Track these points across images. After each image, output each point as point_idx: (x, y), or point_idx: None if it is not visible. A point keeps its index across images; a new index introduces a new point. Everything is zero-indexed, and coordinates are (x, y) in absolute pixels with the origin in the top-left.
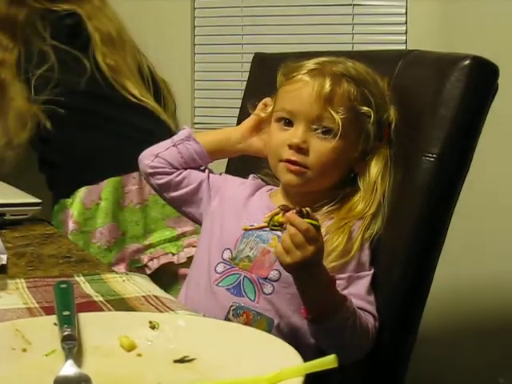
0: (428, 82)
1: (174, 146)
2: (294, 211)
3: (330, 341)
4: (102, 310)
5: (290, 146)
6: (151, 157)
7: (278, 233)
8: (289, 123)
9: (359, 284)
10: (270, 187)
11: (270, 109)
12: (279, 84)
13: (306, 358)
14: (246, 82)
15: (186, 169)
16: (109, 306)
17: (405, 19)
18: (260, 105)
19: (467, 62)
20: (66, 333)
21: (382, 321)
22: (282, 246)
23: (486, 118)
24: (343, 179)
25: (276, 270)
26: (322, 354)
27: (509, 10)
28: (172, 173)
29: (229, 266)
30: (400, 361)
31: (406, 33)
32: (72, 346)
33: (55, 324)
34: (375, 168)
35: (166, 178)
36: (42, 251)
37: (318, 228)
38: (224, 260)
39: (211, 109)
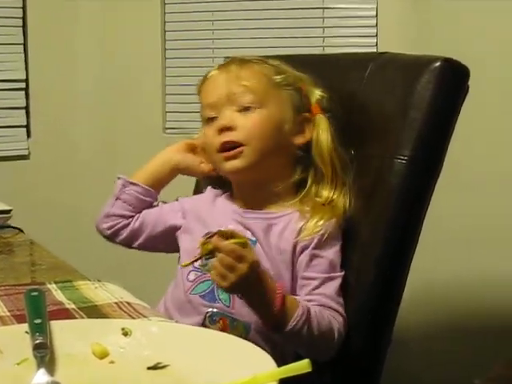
0: (398, 84)
1: (116, 199)
2: (215, 238)
3: (295, 344)
4: (74, 317)
5: (220, 130)
6: (104, 219)
7: (248, 234)
8: (212, 119)
9: (330, 285)
10: (229, 193)
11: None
12: (198, 93)
13: (285, 358)
14: None
15: (140, 212)
16: (81, 313)
17: (375, 22)
18: (189, 141)
19: (437, 63)
20: (37, 341)
21: (355, 324)
22: (216, 272)
23: (458, 119)
24: (290, 163)
25: None
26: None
27: (478, 10)
28: (129, 223)
29: (200, 273)
30: (374, 364)
31: (376, 35)
32: (44, 354)
33: (27, 332)
34: (322, 136)
35: (127, 230)
36: (14, 259)
37: (244, 244)
38: (195, 268)
39: (183, 113)
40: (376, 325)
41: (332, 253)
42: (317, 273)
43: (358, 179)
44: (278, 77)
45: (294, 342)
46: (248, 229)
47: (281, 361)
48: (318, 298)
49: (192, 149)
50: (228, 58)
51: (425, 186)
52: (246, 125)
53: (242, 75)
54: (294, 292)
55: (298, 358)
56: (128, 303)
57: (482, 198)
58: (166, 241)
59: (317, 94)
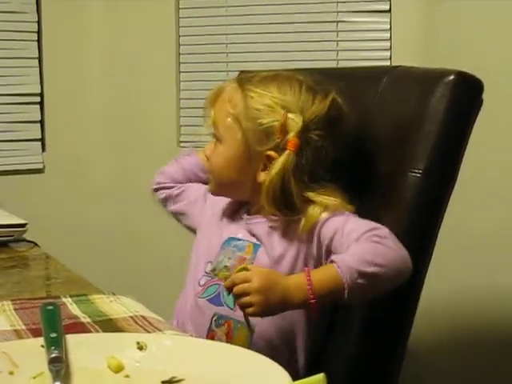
0: (413, 97)
1: (176, 161)
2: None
3: (371, 291)
4: (89, 331)
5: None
6: (158, 175)
7: (253, 240)
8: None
9: (350, 224)
10: None
11: None
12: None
13: (294, 358)
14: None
15: (188, 183)
16: (96, 327)
17: (389, 35)
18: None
19: (452, 77)
20: (53, 355)
21: (369, 337)
22: (241, 305)
23: (472, 133)
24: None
25: None
26: (310, 353)
27: (492, 24)
28: (173, 187)
29: (210, 278)
30: (389, 377)
31: (390, 49)
32: (59, 368)
33: (42, 346)
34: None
35: (167, 192)
36: (29, 273)
37: (244, 268)
38: (206, 273)
39: (197, 127)
40: (391, 337)
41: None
42: (334, 229)
43: (372, 192)
44: (254, 110)
45: (367, 293)
46: (253, 234)
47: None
48: (348, 238)
49: None
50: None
51: (439, 199)
52: (211, 157)
53: (215, 104)
54: None
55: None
56: (143, 317)
57: (495, 211)
58: (191, 223)
59: (297, 122)
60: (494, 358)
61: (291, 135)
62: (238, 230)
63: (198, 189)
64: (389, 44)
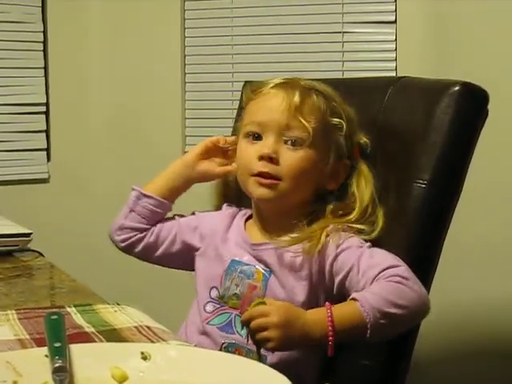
0: (418, 108)
1: (130, 211)
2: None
3: (390, 333)
4: (93, 340)
5: (261, 158)
6: (117, 231)
7: (261, 266)
8: (257, 137)
9: (365, 257)
10: (244, 211)
11: (227, 140)
12: (246, 100)
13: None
14: (236, 110)
15: (154, 225)
16: (100, 336)
17: (394, 46)
18: (214, 138)
19: (457, 88)
20: (57, 364)
21: (373, 349)
22: (259, 339)
23: (477, 143)
24: (314, 197)
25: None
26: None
27: (498, 35)
28: (144, 236)
29: (218, 305)
30: None
31: (395, 59)
32: (63, 377)
33: (46, 356)
34: (364, 188)
35: (142, 244)
36: (33, 282)
37: (262, 302)
38: (212, 299)
39: (202, 137)
40: (396, 348)
41: (353, 241)
42: (349, 264)
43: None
44: (335, 119)
45: (387, 333)
46: (260, 260)
47: None
48: (365, 276)
49: (210, 151)
50: (247, 82)
51: (444, 210)
52: (289, 162)
53: (302, 109)
54: None
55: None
56: (147, 327)
57: (500, 220)
58: (183, 258)
59: (360, 138)
60: (497, 369)
61: (355, 145)
62: (240, 252)
63: (170, 225)
64: (394, 55)
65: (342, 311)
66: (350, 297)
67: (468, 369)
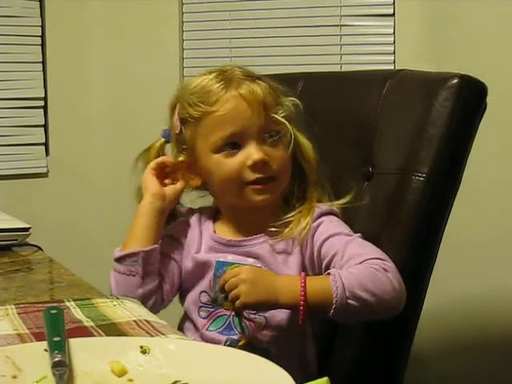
0: (416, 101)
1: (143, 276)
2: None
3: (355, 315)
4: (92, 335)
5: (254, 166)
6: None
7: (249, 261)
8: (233, 146)
9: (353, 245)
10: (206, 212)
11: (179, 158)
12: (200, 115)
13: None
14: None
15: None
16: (99, 331)
17: (393, 39)
18: (158, 160)
19: (455, 81)
20: (56, 359)
21: (372, 342)
22: (233, 299)
23: (476, 136)
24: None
25: None
26: (322, 370)
27: (496, 28)
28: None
29: (212, 309)
30: (392, 382)
31: (394, 53)
32: (63, 372)
33: (46, 350)
34: (302, 139)
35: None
36: (33, 276)
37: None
38: (204, 304)
39: None
40: (394, 342)
41: (341, 227)
42: (335, 249)
43: (375, 195)
44: (282, 97)
45: (352, 315)
46: (250, 255)
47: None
48: (349, 263)
49: (159, 175)
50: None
51: (443, 203)
52: (279, 160)
53: (267, 103)
54: None
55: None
56: (146, 321)
57: (499, 214)
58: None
59: (290, 101)
60: (497, 363)
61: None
62: (222, 253)
63: (170, 267)
64: (392, 48)
65: (315, 283)
66: (327, 271)
67: (467, 362)
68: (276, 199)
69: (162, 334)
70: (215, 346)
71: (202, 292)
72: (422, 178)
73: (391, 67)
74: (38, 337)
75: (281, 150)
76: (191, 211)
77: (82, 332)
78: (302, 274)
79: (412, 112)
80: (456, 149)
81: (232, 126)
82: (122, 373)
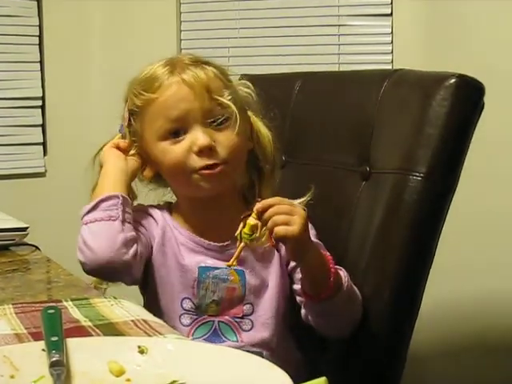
0: (414, 100)
1: (123, 222)
2: (257, 203)
3: (337, 312)
4: (90, 334)
5: (200, 152)
6: (122, 249)
7: (236, 267)
8: (176, 134)
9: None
10: (160, 207)
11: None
12: (143, 103)
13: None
14: None
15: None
16: (97, 330)
17: (390, 39)
18: (114, 141)
19: (453, 80)
20: (54, 358)
21: (370, 341)
22: (280, 222)
23: (473, 136)
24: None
25: (248, 303)
26: (313, 369)
27: (494, 28)
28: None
29: (196, 316)
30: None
31: (391, 52)
32: (60, 371)
33: (43, 350)
34: (263, 129)
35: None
36: (30, 276)
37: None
38: (187, 311)
39: None
40: (392, 341)
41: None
42: None
43: (373, 195)
44: (231, 80)
45: (337, 310)
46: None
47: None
48: None
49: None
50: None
51: (441, 202)
52: (226, 143)
53: (211, 86)
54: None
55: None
56: (144, 321)
57: (497, 213)
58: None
59: (242, 85)
60: (496, 363)
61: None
62: (201, 257)
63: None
64: (390, 48)
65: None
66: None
67: (465, 362)
68: (232, 192)
69: (160, 333)
70: (214, 346)
71: (184, 299)
72: (419, 178)
73: (389, 67)
74: (36, 336)
75: (230, 134)
76: (150, 206)
77: (80, 332)
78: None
79: (410, 111)
80: (454, 148)
81: (174, 110)
82: (119, 373)
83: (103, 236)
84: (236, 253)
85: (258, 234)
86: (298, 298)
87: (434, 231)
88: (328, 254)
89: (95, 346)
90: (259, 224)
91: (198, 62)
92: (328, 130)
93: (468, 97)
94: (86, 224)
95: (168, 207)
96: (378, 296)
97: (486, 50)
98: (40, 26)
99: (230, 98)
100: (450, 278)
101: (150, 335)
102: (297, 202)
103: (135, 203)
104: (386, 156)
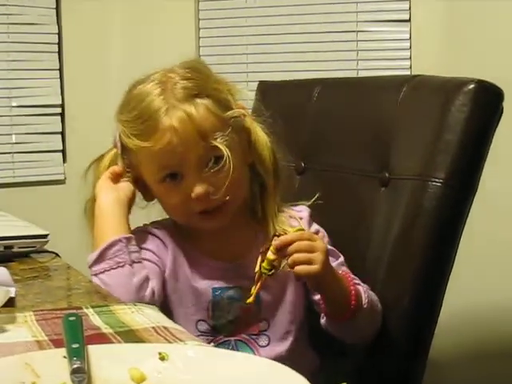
0: (433, 106)
1: (132, 264)
2: (274, 238)
3: (359, 327)
4: (111, 341)
5: (198, 199)
6: (140, 292)
7: (243, 283)
8: (174, 176)
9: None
10: (168, 226)
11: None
12: (135, 148)
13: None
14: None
15: None
16: (118, 337)
17: (409, 44)
18: (107, 173)
19: (471, 86)
20: (75, 365)
21: (390, 348)
22: (302, 260)
23: (492, 142)
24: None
25: (263, 320)
26: (331, 375)
27: None
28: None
29: (211, 337)
30: None
31: (410, 58)
32: (81, 378)
33: (64, 357)
34: (260, 135)
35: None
36: (51, 283)
37: (302, 229)
38: (203, 332)
39: None
40: (412, 348)
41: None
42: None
43: (392, 201)
44: (229, 112)
45: (358, 326)
46: (243, 277)
47: None
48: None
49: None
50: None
51: (460, 208)
52: (222, 183)
53: (204, 129)
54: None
55: None
56: (165, 327)
57: None
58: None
59: (240, 94)
60: None
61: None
62: (214, 278)
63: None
64: (409, 53)
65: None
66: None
67: (486, 369)
68: (237, 211)
69: (181, 340)
70: (234, 353)
71: (198, 321)
72: (438, 184)
73: (407, 72)
74: (57, 343)
75: (225, 173)
76: (157, 227)
77: (101, 339)
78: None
79: (428, 117)
80: (473, 154)
81: (168, 159)
82: (140, 379)
83: (117, 285)
84: (256, 288)
85: (277, 270)
86: (317, 307)
87: (454, 237)
88: (348, 271)
89: (116, 353)
90: (278, 259)
91: (192, 96)
92: (347, 136)
93: (487, 102)
94: (96, 275)
95: (176, 224)
96: (398, 303)
97: (504, 55)
98: (59, 34)
99: (222, 140)
100: (470, 284)
101: (170, 342)
102: (303, 207)
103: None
104: (405, 162)
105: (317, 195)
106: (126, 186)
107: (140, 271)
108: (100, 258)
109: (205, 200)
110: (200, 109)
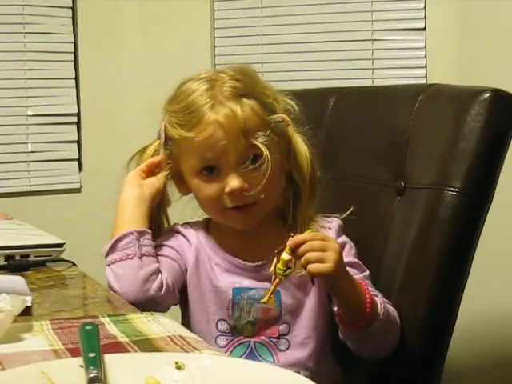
0: (448, 115)
1: (141, 256)
2: (290, 239)
3: (375, 339)
4: (127, 350)
5: (232, 194)
6: (144, 286)
7: (266, 285)
8: (211, 170)
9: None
10: (196, 226)
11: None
12: (179, 137)
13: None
14: None
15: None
16: (134, 346)
17: (424, 53)
18: (143, 166)
19: (487, 95)
20: (92, 375)
21: (406, 356)
22: (313, 259)
23: (508, 151)
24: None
25: (284, 323)
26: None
27: None
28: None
29: (232, 337)
30: None
31: (425, 67)
32: None
33: (81, 366)
34: (300, 147)
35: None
36: (67, 292)
37: (316, 231)
38: (222, 332)
39: None
40: (428, 356)
41: (351, 256)
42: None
43: (407, 211)
44: (273, 116)
45: (374, 338)
46: (266, 279)
47: None
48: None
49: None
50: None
51: (476, 217)
52: (258, 181)
53: (247, 127)
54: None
55: None
56: (181, 336)
57: None
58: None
59: (286, 103)
60: None
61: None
62: (236, 278)
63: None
64: (424, 62)
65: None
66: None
67: (501, 378)
68: (269, 214)
69: (197, 349)
70: (251, 362)
71: (219, 320)
72: (454, 193)
73: (423, 81)
74: (73, 352)
75: (263, 173)
76: (184, 226)
77: (117, 348)
78: (366, 287)
79: (444, 126)
80: (489, 163)
81: (209, 152)
82: None
83: (124, 276)
84: (271, 289)
85: (292, 270)
86: (336, 318)
87: (470, 246)
88: (365, 280)
89: (132, 362)
90: (293, 259)
91: (239, 95)
92: (362, 145)
93: (503, 111)
94: (108, 265)
95: (206, 224)
96: (414, 312)
97: None
98: (75, 43)
99: (264, 140)
100: (486, 292)
101: (186, 351)
102: (334, 218)
103: (169, 211)
104: (421, 171)
105: (351, 209)
106: (151, 184)
107: (149, 264)
108: (112, 249)
109: (238, 196)
110: (245, 108)
